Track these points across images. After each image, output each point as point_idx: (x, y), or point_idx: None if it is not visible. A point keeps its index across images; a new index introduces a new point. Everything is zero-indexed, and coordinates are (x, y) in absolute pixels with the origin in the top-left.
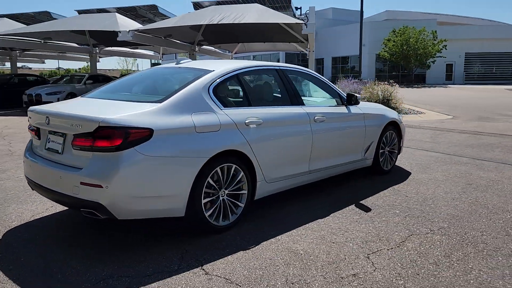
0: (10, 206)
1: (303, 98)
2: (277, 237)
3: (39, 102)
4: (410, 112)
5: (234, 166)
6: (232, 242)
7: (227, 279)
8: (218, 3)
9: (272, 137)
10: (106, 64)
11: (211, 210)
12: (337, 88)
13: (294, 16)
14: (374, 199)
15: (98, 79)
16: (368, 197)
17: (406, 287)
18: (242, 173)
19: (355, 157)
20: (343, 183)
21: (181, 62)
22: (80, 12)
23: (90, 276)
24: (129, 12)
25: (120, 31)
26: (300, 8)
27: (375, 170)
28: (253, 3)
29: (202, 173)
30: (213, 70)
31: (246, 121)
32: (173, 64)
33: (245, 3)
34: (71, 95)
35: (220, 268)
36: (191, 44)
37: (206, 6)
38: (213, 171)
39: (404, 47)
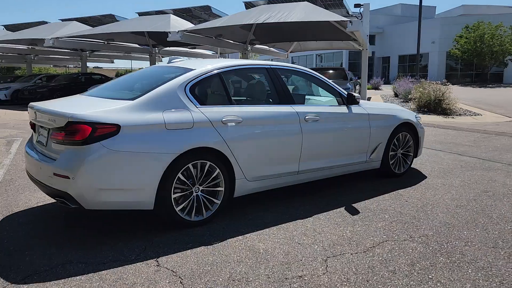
0: (22, 194)
1: (307, 97)
2: (246, 235)
3: None
4: (465, 114)
5: (208, 163)
6: (199, 237)
7: (173, 271)
8: (270, 2)
9: (254, 136)
10: None
11: (182, 205)
12: (339, 87)
13: (348, 13)
14: (369, 202)
15: None
16: (365, 200)
17: None
18: (218, 170)
19: (358, 158)
20: (347, 184)
21: (173, 61)
22: (141, 14)
23: (52, 260)
24: (185, 13)
25: (170, 32)
26: (362, 5)
27: (386, 173)
28: (304, 1)
29: (172, 168)
30: (194, 69)
31: (223, 119)
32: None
33: (296, 1)
34: None
35: (173, 261)
36: (243, 44)
37: (258, 6)
38: (185, 167)
39: (478, 44)
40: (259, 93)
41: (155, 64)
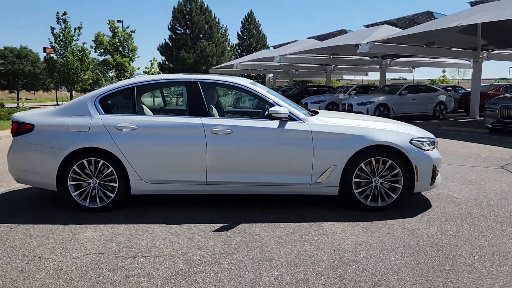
0: None
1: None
2: (98, 225)
3: (350, 111)
4: None
5: (101, 161)
6: (67, 219)
7: (9, 228)
8: None
9: (148, 142)
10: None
11: (79, 191)
12: (276, 101)
13: None
14: (264, 226)
15: (420, 89)
16: (269, 223)
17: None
18: (111, 168)
19: (296, 179)
20: (295, 207)
21: (134, 76)
22: (367, 26)
23: None
24: (409, 21)
25: (360, 44)
26: None
27: (355, 204)
28: None
29: (67, 161)
30: (117, 83)
31: (117, 126)
32: None
33: None
34: (383, 106)
35: (20, 228)
36: (473, 50)
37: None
38: (79, 162)
39: None
40: (167, 104)
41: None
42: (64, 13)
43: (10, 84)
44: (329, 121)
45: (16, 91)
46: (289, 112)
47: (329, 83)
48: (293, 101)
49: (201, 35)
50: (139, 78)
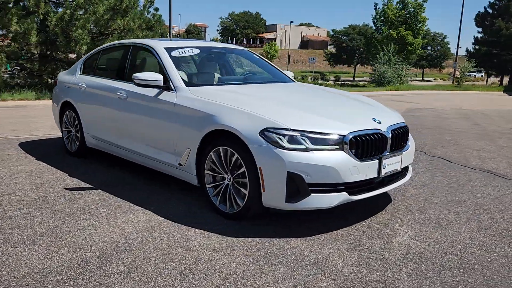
0: None
1: None
2: (44, 165)
3: None
4: None
5: (73, 114)
6: (56, 153)
7: (7, 154)
8: None
9: (89, 101)
10: None
11: (67, 136)
12: (169, 69)
13: None
14: (124, 203)
15: None
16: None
17: None
18: (77, 121)
19: (166, 158)
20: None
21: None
22: None
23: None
24: None
25: None
26: None
27: (209, 203)
28: None
29: (61, 111)
30: (98, 48)
31: (79, 84)
32: None
33: None
34: None
35: (14, 151)
36: None
37: None
38: (65, 112)
39: None
40: (112, 67)
41: None
42: None
43: (348, 59)
44: (203, 93)
45: (353, 66)
46: (169, 79)
47: None
48: None
49: None
50: (114, 42)
